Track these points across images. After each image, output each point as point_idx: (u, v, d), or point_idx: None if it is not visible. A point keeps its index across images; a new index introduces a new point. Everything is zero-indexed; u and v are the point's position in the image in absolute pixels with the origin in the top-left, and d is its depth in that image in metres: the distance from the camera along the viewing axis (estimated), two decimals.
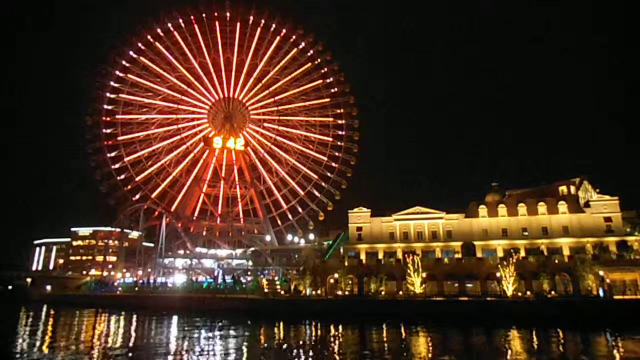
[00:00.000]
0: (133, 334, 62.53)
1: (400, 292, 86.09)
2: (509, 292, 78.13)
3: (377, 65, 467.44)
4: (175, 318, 79.72)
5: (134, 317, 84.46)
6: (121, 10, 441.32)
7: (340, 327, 63.89)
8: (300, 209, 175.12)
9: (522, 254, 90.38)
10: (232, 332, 61.25)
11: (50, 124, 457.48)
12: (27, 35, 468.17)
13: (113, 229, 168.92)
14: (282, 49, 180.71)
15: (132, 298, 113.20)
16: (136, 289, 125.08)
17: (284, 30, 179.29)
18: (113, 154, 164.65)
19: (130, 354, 47.12)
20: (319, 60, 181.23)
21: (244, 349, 49.41)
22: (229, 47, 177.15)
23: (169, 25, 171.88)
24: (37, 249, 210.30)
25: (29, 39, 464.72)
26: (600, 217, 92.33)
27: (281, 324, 68.72)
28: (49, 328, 70.15)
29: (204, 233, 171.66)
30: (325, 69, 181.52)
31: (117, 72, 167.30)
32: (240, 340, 55.46)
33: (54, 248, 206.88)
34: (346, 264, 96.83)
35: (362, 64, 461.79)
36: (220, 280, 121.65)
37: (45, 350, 50.32)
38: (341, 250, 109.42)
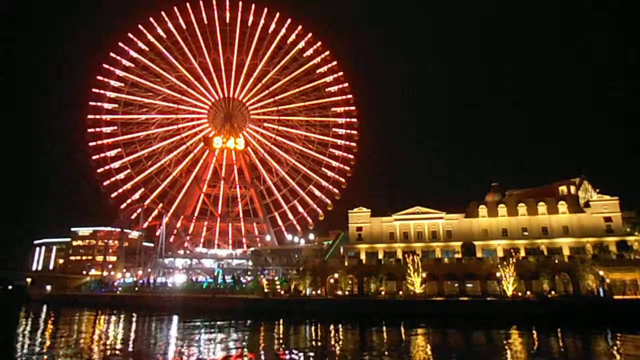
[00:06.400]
0: (133, 334, 62.52)
1: (400, 292, 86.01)
2: (509, 292, 78.09)
3: (377, 65, 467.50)
4: (175, 318, 79.74)
5: (134, 317, 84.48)
6: (123, 10, 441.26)
7: (340, 327, 63.88)
8: (300, 209, 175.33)
9: (522, 254, 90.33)
10: (232, 332, 61.26)
11: (50, 124, 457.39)
12: (27, 34, 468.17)
13: (113, 229, 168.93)
14: (281, 49, 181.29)
15: (132, 298, 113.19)
16: (136, 289, 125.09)
17: (283, 31, 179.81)
18: (113, 154, 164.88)
19: (130, 354, 47.12)
20: (318, 60, 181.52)
21: (244, 349, 49.39)
22: (228, 48, 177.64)
23: (170, 25, 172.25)
24: (37, 249, 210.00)
25: (29, 38, 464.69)
26: (600, 217, 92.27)
27: (281, 324, 68.73)
28: (49, 328, 70.16)
29: (204, 233, 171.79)
30: (325, 69, 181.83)
31: (118, 72, 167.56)
32: (240, 340, 55.46)
33: (54, 248, 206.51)
34: (346, 264, 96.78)
35: (362, 63, 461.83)
36: (220, 280, 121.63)
37: (45, 350, 50.32)
38: (341, 250, 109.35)
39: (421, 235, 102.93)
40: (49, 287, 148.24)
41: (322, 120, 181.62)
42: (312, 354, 45.90)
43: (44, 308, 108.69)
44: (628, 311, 66.85)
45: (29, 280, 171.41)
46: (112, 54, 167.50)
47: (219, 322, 70.64)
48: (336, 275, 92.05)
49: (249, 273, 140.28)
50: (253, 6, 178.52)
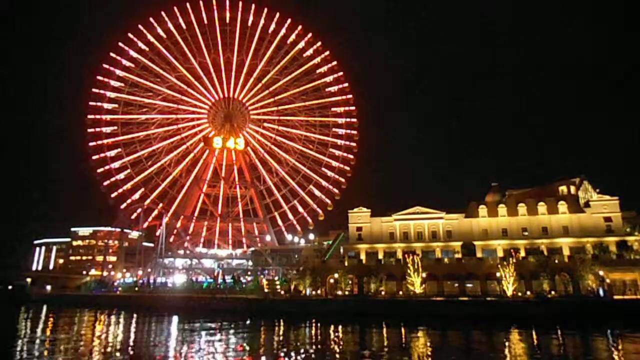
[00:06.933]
0: (133, 334, 62.52)
1: (400, 292, 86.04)
2: (509, 292, 78.08)
3: (377, 64, 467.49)
4: (175, 318, 79.72)
5: (134, 317, 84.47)
6: (123, 10, 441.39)
7: (340, 327, 63.88)
8: (300, 209, 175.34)
9: (522, 254, 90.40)
10: (232, 332, 61.25)
11: (50, 124, 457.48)
12: (27, 34, 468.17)
13: (113, 229, 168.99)
14: (281, 49, 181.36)
15: (132, 298, 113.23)
16: (136, 289, 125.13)
17: (283, 31, 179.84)
18: (113, 154, 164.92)
19: (130, 354, 47.10)
20: (318, 60, 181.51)
21: (244, 349, 49.38)
22: (229, 47, 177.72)
23: (170, 25, 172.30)
24: (37, 249, 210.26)
25: (29, 38, 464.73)
26: (600, 217, 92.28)
27: (281, 324, 68.73)
28: (49, 328, 70.17)
29: (204, 233, 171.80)
30: (325, 69, 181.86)
31: (118, 72, 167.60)
32: (240, 340, 55.46)
33: (54, 248, 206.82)
34: (346, 264, 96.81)
35: (362, 63, 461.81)
36: (220, 280, 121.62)
37: (45, 350, 50.31)
38: (341, 250, 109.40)
39: (421, 235, 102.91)
40: (49, 287, 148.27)
41: (322, 120, 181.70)
42: (312, 354, 45.89)
43: (44, 308, 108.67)
44: (628, 311, 66.88)
45: (29, 280, 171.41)
46: (112, 54, 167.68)
47: (219, 322, 70.67)
48: (336, 275, 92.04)
49: (249, 273, 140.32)
50: (253, 6, 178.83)
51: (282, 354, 45.85)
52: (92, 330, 67.31)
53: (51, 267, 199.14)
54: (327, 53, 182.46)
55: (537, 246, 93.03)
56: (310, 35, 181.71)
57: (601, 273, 76.50)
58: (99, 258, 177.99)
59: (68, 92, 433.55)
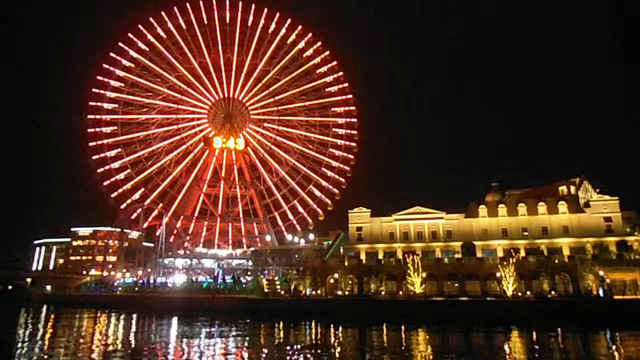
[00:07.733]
0: (133, 334, 62.52)
1: (400, 292, 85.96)
2: (509, 292, 78.05)
3: (377, 64, 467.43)
4: (175, 318, 79.71)
5: (134, 317, 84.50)
6: (123, 11, 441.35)
7: (340, 327, 63.87)
8: (300, 209, 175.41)
9: (522, 254, 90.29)
10: (232, 333, 61.26)
11: (50, 124, 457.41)
12: (28, 34, 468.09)
13: (113, 229, 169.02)
14: (281, 49, 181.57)
15: (132, 298, 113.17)
16: (136, 289, 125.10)
17: (283, 31, 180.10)
18: (113, 154, 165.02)
19: (130, 354, 47.11)
20: (318, 60, 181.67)
21: (244, 350, 49.39)
22: (229, 48, 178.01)
23: (170, 25, 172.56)
24: (37, 249, 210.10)
25: (29, 38, 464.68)
26: (600, 217, 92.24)
27: (281, 324, 68.71)
28: (49, 328, 70.17)
29: (204, 233, 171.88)
30: (325, 69, 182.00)
31: (118, 72, 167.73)
32: (240, 340, 55.46)
33: (54, 248, 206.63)
34: (346, 264, 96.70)
35: (362, 63, 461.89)
36: (220, 280, 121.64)
37: (45, 350, 50.30)
38: (341, 250, 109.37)
39: (421, 235, 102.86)
40: (49, 287, 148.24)
41: (322, 120, 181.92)
42: (312, 354, 45.89)
43: (44, 308, 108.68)
44: (628, 311, 66.86)
45: (29, 280, 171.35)
46: (112, 54, 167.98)
47: (218, 322, 70.67)
48: (336, 275, 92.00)
49: (249, 273, 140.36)
50: (253, 6, 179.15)
51: (282, 355, 45.80)
52: (92, 330, 67.30)
53: (51, 267, 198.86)
54: (327, 53, 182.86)
55: (537, 246, 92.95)
56: (310, 35, 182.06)
57: (601, 273, 76.45)
58: (99, 258, 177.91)
59: (68, 91, 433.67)
